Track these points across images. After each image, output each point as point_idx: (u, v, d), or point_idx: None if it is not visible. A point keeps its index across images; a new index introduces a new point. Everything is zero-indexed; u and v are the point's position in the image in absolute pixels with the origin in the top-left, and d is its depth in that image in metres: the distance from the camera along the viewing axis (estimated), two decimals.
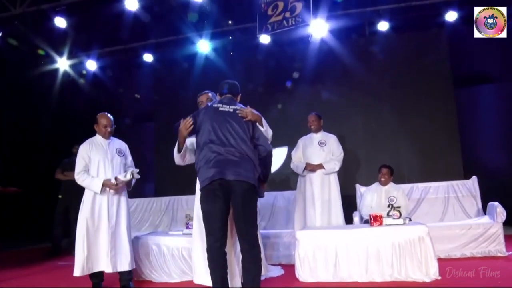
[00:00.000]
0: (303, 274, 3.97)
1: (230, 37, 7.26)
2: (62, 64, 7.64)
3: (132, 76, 8.25)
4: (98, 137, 4.00)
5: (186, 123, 3.14)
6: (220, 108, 3.19)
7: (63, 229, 6.39)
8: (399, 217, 4.20)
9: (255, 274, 2.95)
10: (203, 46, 7.28)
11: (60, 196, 6.36)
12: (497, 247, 4.52)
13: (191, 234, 4.31)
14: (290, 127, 6.63)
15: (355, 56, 6.93)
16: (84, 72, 7.87)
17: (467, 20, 6.46)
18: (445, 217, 5.24)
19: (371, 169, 6.69)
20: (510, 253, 4.54)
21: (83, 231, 3.74)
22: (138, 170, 3.86)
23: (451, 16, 6.47)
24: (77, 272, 3.70)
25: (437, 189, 5.42)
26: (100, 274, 3.86)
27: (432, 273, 3.71)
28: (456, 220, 5.07)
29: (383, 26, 6.79)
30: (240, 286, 3.26)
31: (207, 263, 3.27)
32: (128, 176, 3.79)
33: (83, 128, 8.04)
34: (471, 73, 6.94)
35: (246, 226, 3.00)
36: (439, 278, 3.68)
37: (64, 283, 4.49)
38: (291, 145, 6.52)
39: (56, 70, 7.68)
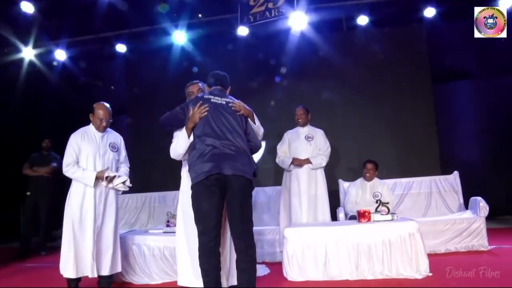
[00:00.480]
0: (292, 273, 3.82)
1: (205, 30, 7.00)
2: (28, 53, 7.14)
3: (104, 67, 7.85)
4: (91, 128, 3.65)
5: (201, 109, 2.91)
6: (212, 100, 3.01)
7: (33, 228, 5.99)
8: (388, 213, 4.12)
9: (250, 275, 2.78)
10: (179, 37, 6.98)
11: (28, 193, 5.96)
12: (480, 242, 4.55)
13: (173, 232, 4.11)
14: (268, 121, 6.44)
15: (334, 50, 6.82)
16: (55, 63, 7.37)
17: (446, 16, 6.49)
18: (428, 212, 5.24)
19: (350, 163, 6.66)
20: (492, 247, 4.56)
21: (70, 231, 3.45)
22: (128, 180, 3.62)
23: (429, 12, 6.46)
24: (70, 272, 3.42)
25: (419, 184, 5.43)
26: (79, 279, 3.55)
27: (423, 269, 3.65)
28: (439, 215, 5.07)
29: (362, 20, 6.71)
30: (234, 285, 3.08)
31: (192, 263, 3.12)
32: (116, 183, 3.54)
33: (53, 121, 7.71)
34: (449, 69, 6.98)
35: (243, 224, 2.82)
36: (430, 274, 3.62)
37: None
38: (270, 139, 6.42)
39: (21, 60, 7.18)
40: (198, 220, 2.79)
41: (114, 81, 7.71)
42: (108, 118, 3.63)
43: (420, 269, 3.65)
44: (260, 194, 5.52)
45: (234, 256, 2.97)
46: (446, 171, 6.05)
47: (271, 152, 6.00)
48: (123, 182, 3.56)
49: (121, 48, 7.23)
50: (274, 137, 6.41)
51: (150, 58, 7.36)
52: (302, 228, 3.99)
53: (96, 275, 3.46)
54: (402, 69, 6.75)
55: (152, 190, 5.91)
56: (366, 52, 6.87)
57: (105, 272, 3.52)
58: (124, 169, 3.75)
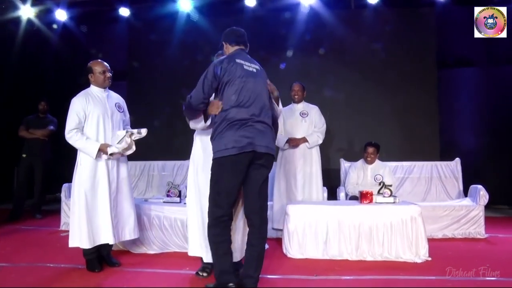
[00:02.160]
0: (292, 250, 3.79)
1: None
2: (26, 11, 6.81)
3: (106, 30, 7.57)
4: (94, 89, 3.42)
5: (218, 105, 2.71)
6: (244, 67, 2.76)
7: (26, 190, 5.88)
8: (390, 196, 4.07)
9: (261, 250, 2.73)
10: (184, 4, 6.74)
11: (24, 155, 5.82)
12: (477, 229, 4.55)
13: (173, 203, 4.09)
14: None
15: (343, 27, 6.66)
16: (55, 26, 7.08)
17: (457, 1, 6.32)
18: (427, 197, 5.22)
19: (351, 144, 6.59)
20: (489, 235, 4.56)
21: (83, 199, 3.26)
22: (143, 129, 3.36)
23: None
24: (85, 243, 3.24)
25: (420, 168, 5.39)
26: (96, 248, 3.36)
27: (422, 253, 3.65)
28: (438, 201, 5.06)
29: None
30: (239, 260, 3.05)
31: (205, 234, 3.04)
32: (135, 138, 3.31)
33: (52, 83, 7.50)
34: (455, 55, 6.85)
35: (261, 200, 2.75)
36: (429, 259, 3.61)
37: (32, 248, 4.10)
38: None
39: (19, 18, 6.87)
40: (217, 193, 2.68)
41: (115, 46, 7.45)
42: (109, 69, 3.43)
43: (420, 253, 3.65)
44: None
45: (244, 230, 2.98)
46: (445, 157, 6.05)
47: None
48: (139, 133, 3.32)
49: (124, 11, 6.97)
50: None
51: (154, 24, 7.12)
52: (305, 205, 3.93)
53: (115, 241, 3.34)
54: (408, 51, 6.63)
55: (151, 159, 5.79)
56: (373, 32, 6.72)
57: (125, 237, 3.44)
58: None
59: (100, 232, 3.28)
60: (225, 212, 2.67)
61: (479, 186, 4.65)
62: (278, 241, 4.32)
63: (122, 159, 3.48)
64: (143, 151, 6.40)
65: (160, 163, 5.67)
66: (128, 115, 3.61)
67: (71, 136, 3.28)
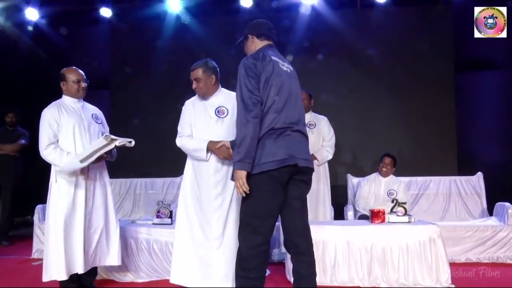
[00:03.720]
0: None
1: None
2: None
3: (85, 33, 7.63)
4: (67, 99, 3.42)
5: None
6: (280, 65, 2.65)
7: None
8: (404, 215, 4.10)
9: (313, 280, 2.63)
10: (174, 5, 6.83)
11: None
12: (507, 253, 4.56)
13: (164, 224, 4.09)
14: None
15: (348, 28, 6.74)
16: (30, 28, 7.08)
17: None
18: (445, 215, 5.26)
19: (359, 157, 6.63)
20: None
21: (60, 224, 3.19)
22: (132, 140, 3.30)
23: None
24: (63, 274, 3.15)
25: (437, 184, 5.44)
26: (77, 279, 3.34)
27: (444, 280, 3.66)
28: (458, 220, 5.09)
29: None
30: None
31: (187, 260, 3.15)
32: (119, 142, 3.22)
33: (21, 92, 7.48)
34: (473, 57, 6.94)
35: (304, 219, 2.68)
36: (453, 286, 3.62)
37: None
38: None
39: None
40: (254, 216, 2.50)
41: (96, 50, 7.50)
42: (84, 79, 3.43)
43: (441, 279, 3.65)
44: None
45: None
46: (464, 171, 6.09)
47: None
48: (129, 142, 3.25)
49: (106, 12, 7.04)
50: None
51: (140, 26, 7.20)
52: (310, 226, 3.93)
53: (85, 270, 3.26)
54: (422, 54, 6.69)
55: (137, 176, 5.81)
56: (382, 33, 6.80)
57: (104, 263, 3.41)
58: None
59: (75, 259, 3.22)
60: (265, 239, 2.50)
61: (507, 204, 4.68)
62: (282, 264, 4.33)
63: (103, 175, 3.47)
64: (128, 168, 6.52)
65: (147, 180, 5.69)
66: (107, 127, 3.61)
67: (49, 153, 3.22)
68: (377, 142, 6.48)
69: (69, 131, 3.29)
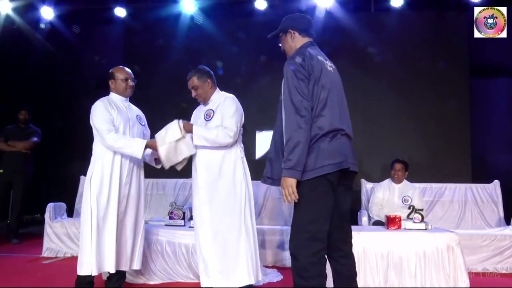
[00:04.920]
0: None
1: None
2: (3, 6, 6.72)
3: (99, 32, 7.62)
4: (115, 97, 3.40)
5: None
6: (326, 65, 2.52)
7: (3, 210, 5.82)
8: (421, 221, 4.02)
9: (356, 280, 2.61)
10: (188, 5, 6.80)
11: (0, 171, 5.76)
12: None
13: (176, 226, 4.06)
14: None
15: (362, 32, 6.68)
16: (42, 25, 7.08)
17: (494, 3, 6.35)
18: (461, 223, 5.17)
19: (372, 163, 6.54)
20: None
21: (95, 217, 3.16)
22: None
23: None
24: (88, 270, 3.09)
25: (453, 191, 5.34)
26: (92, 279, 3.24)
27: None
28: (474, 228, 5.00)
29: (396, 1, 6.58)
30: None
31: (219, 261, 3.19)
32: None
33: (34, 89, 7.48)
34: (488, 63, 6.86)
35: (348, 225, 2.64)
36: None
37: (9, 278, 4.01)
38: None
39: None
40: (312, 222, 2.39)
41: (110, 49, 7.48)
42: (133, 78, 3.43)
43: None
44: (273, 190, 5.39)
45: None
46: (479, 178, 6.02)
47: None
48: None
49: (120, 12, 7.03)
50: None
51: (154, 27, 7.17)
52: None
53: (114, 270, 3.19)
54: (436, 59, 6.61)
55: (149, 176, 5.73)
56: (397, 37, 6.76)
57: (127, 266, 3.31)
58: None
59: (106, 257, 3.15)
60: (324, 244, 2.41)
61: None
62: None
63: (140, 173, 3.46)
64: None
65: (159, 181, 5.62)
66: (149, 131, 3.58)
67: (110, 137, 3.17)
68: (390, 148, 6.40)
69: (119, 127, 3.27)
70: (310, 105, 2.38)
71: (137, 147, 3.16)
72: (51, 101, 7.35)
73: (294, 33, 2.63)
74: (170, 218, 4.14)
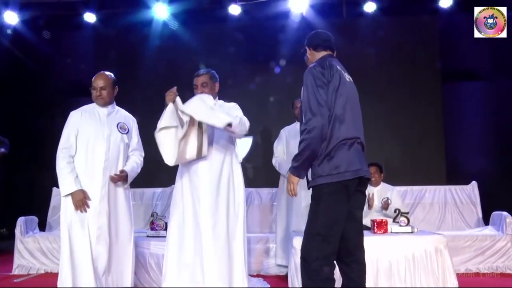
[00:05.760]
0: None
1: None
2: None
3: (68, 38, 7.34)
4: (92, 105, 3.36)
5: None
6: (344, 75, 2.65)
7: None
8: (407, 225, 4.00)
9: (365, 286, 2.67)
10: (160, 11, 6.63)
11: None
12: (506, 263, 4.53)
13: (160, 237, 3.90)
14: (262, 115, 6.29)
15: (336, 37, 6.65)
16: (9, 31, 6.76)
17: (462, 8, 6.48)
18: (441, 225, 5.20)
19: None
20: None
21: (66, 235, 3.09)
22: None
23: (445, 2, 6.42)
24: (65, 283, 3.03)
25: (433, 193, 5.38)
26: None
27: None
28: (455, 230, 5.05)
29: (368, 7, 6.62)
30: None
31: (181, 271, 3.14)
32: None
33: (1, 98, 7.13)
34: (461, 67, 6.98)
35: (362, 234, 2.70)
36: None
37: None
38: (263, 134, 6.22)
39: None
40: (325, 227, 2.48)
41: (80, 56, 7.22)
42: (103, 85, 3.28)
43: None
44: (255, 197, 5.29)
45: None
46: (453, 180, 6.11)
47: (267, 150, 5.78)
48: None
49: (90, 17, 6.79)
50: (267, 133, 6.27)
51: (125, 33, 6.97)
52: None
53: (95, 285, 3.07)
54: (409, 63, 6.70)
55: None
56: (370, 42, 6.79)
57: (112, 283, 3.16)
58: (136, 158, 3.40)
59: (81, 273, 3.04)
60: (335, 248, 2.50)
61: (504, 213, 4.67)
62: (281, 278, 4.18)
63: (120, 189, 3.29)
64: None
65: (136, 190, 5.42)
66: (136, 139, 3.45)
67: (58, 157, 3.18)
68: (366, 153, 6.37)
69: (85, 138, 3.19)
70: (328, 112, 2.49)
71: (63, 188, 3.12)
72: (19, 109, 7.03)
73: (309, 49, 2.81)
74: (152, 229, 3.98)
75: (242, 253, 3.20)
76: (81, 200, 3.07)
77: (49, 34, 6.88)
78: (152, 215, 4.04)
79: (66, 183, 3.10)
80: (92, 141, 3.18)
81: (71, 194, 3.09)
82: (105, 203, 3.14)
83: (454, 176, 6.39)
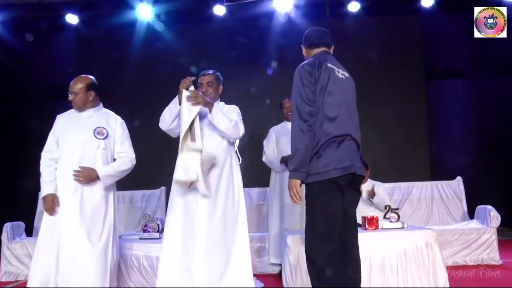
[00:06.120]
0: (296, 286, 3.65)
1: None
2: None
3: (50, 40, 7.22)
4: (72, 110, 3.35)
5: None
6: (335, 72, 2.64)
7: None
8: (397, 220, 4.07)
9: (360, 283, 2.68)
10: (144, 12, 6.59)
11: None
12: (491, 255, 4.65)
13: (152, 239, 3.87)
14: (247, 113, 6.28)
15: None
16: None
17: (444, 7, 6.61)
18: (429, 220, 5.29)
19: None
20: (504, 261, 4.66)
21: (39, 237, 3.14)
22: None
23: (427, 2, 6.53)
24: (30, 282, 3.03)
25: (420, 189, 5.47)
26: None
27: (442, 283, 3.63)
28: (441, 224, 5.15)
29: (352, 6, 6.69)
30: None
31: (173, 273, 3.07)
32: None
33: None
34: (443, 66, 7.13)
35: (356, 230, 2.72)
36: None
37: None
38: (251, 134, 6.24)
39: None
40: (324, 224, 2.50)
41: (62, 59, 7.11)
42: (75, 89, 3.22)
43: (439, 283, 3.63)
44: (245, 197, 5.27)
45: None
46: (437, 176, 6.22)
47: (255, 149, 5.79)
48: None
49: (72, 19, 6.69)
50: (254, 132, 6.29)
51: (109, 34, 6.90)
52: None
53: (55, 285, 3.03)
54: (393, 62, 6.81)
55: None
56: (354, 42, 6.85)
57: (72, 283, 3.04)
58: (120, 160, 3.29)
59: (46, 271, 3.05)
60: (337, 245, 2.51)
61: (489, 207, 4.79)
62: (274, 277, 4.20)
63: (95, 188, 3.18)
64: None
65: (125, 193, 5.38)
66: (120, 141, 3.34)
67: (42, 158, 3.23)
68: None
69: (63, 142, 3.17)
70: (315, 111, 2.49)
71: (43, 190, 3.16)
72: (2, 113, 6.90)
73: (305, 48, 2.84)
74: (144, 231, 3.95)
75: (246, 253, 3.20)
76: (49, 205, 3.07)
77: (32, 37, 6.74)
78: (145, 218, 4.00)
79: (42, 187, 3.16)
80: (67, 146, 3.15)
81: (43, 198, 3.13)
82: (76, 208, 3.08)
83: (438, 172, 6.51)
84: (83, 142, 3.16)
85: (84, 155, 3.14)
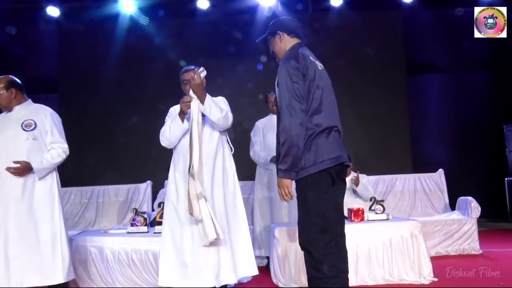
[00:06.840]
0: (284, 278, 3.74)
1: None
2: None
3: (30, 33, 7.07)
4: None
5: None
6: (318, 66, 2.60)
7: None
8: (383, 212, 4.14)
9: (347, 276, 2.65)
10: (127, 5, 6.51)
11: None
12: (471, 245, 4.76)
13: (140, 233, 3.85)
14: (232, 107, 6.27)
15: (307, 30, 6.76)
16: None
17: (424, 3, 6.70)
18: (412, 212, 5.38)
19: None
20: (483, 250, 4.77)
21: None
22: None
23: None
24: None
25: (403, 181, 5.56)
26: None
27: (426, 274, 3.72)
28: (424, 216, 5.24)
29: (336, 1, 6.74)
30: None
31: (177, 263, 3.05)
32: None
33: None
34: (424, 60, 7.24)
35: (343, 218, 2.70)
36: (436, 279, 3.68)
37: None
38: (236, 128, 6.24)
39: None
40: (321, 215, 2.47)
41: (43, 52, 6.98)
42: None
43: (424, 273, 3.72)
44: None
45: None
46: (418, 169, 6.29)
47: (241, 142, 5.78)
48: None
49: (53, 11, 6.57)
50: (239, 126, 6.30)
51: (91, 27, 6.78)
52: (295, 227, 3.84)
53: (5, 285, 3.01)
54: (375, 56, 6.85)
55: (98, 183, 5.43)
56: (336, 36, 6.92)
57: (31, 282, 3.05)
58: (53, 150, 3.25)
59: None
60: (333, 235, 2.50)
61: (469, 198, 4.89)
62: (261, 269, 4.21)
63: (29, 182, 3.18)
64: (88, 175, 6.10)
65: (111, 187, 5.32)
66: (49, 133, 3.28)
67: None
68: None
69: None
70: (305, 107, 2.48)
71: None
72: None
73: (282, 34, 2.67)
74: (132, 225, 3.92)
75: (248, 242, 3.22)
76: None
77: (14, 30, 6.60)
78: (132, 211, 3.97)
79: None
80: (1, 145, 3.16)
81: None
82: (17, 204, 3.10)
83: (420, 165, 6.62)
84: (13, 137, 3.16)
85: (17, 150, 3.13)
